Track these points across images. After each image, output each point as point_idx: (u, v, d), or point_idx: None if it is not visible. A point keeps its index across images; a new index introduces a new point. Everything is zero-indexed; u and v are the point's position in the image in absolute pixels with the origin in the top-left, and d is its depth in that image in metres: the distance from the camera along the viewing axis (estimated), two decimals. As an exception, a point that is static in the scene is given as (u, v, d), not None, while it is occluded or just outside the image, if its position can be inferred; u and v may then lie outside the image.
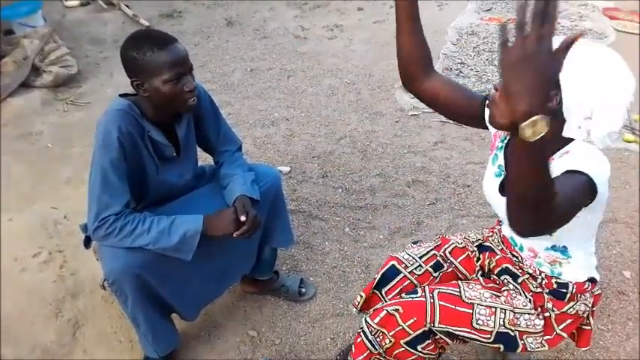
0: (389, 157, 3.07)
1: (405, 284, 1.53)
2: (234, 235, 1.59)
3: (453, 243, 1.60)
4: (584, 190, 1.13)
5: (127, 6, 5.18)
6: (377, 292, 1.57)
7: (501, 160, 1.41)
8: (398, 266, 1.56)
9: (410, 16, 1.38)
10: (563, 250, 1.35)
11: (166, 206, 1.73)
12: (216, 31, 4.97)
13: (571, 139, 1.21)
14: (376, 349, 1.43)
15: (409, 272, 1.54)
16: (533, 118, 0.83)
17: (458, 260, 1.57)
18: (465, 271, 1.56)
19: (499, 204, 1.40)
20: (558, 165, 1.14)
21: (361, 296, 1.59)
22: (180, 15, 5.27)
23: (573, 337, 1.51)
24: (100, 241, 1.53)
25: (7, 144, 3.17)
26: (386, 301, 1.53)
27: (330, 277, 2.27)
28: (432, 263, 1.56)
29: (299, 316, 2.09)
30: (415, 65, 1.43)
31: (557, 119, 1.17)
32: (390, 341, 1.39)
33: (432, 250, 1.59)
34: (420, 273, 1.54)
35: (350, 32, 4.88)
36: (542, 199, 0.95)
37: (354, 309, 1.63)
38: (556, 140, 1.22)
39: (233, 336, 2.00)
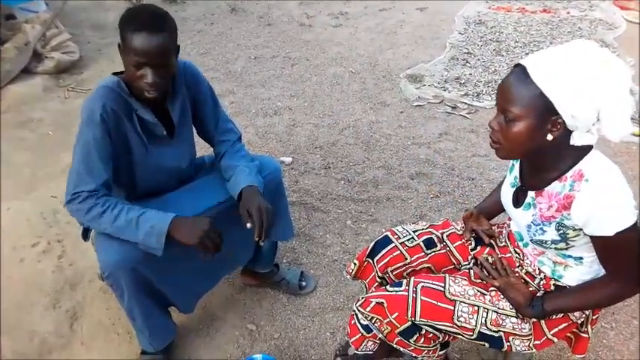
0: (393, 149, 3.03)
1: (394, 254, 1.55)
2: (201, 257, 1.52)
3: (452, 228, 1.61)
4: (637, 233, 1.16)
5: (129, -9, 5.13)
6: (370, 260, 1.60)
7: (517, 172, 1.39)
8: (391, 237, 1.59)
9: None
10: (579, 258, 1.32)
11: (162, 197, 1.71)
12: (220, 17, 4.92)
13: (580, 151, 1.19)
14: (369, 333, 1.48)
15: (400, 243, 1.56)
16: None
17: (454, 245, 1.57)
18: (458, 256, 1.56)
19: (512, 212, 1.41)
20: (583, 204, 1.16)
21: (355, 264, 1.63)
22: (183, 1, 5.22)
23: (570, 343, 1.48)
24: (72, 216, 1.50)
25: (8, 131, 3.14)
26: (377, 270, 1.57)
27: (331, 271, 2.24)
28: (424, 238, 1.57)
29: (299, 309, 2.07)
30: None
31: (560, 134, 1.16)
32: (387, 328, 1.41)
33: (429, 227, 1.61)
34: (411, 245, 1.56)
35: (355, 20, 4.82)
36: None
37: (348, 275, 1.67)
38: (563, 154, 1.20)
39: (232, 329, 1.98)
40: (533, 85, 1.10)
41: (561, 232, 1.24)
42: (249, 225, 1.55)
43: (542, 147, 1.17)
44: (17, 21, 4.00)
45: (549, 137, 1.14)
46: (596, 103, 1.09)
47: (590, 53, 1.10)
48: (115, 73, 1.57)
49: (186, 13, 4.95)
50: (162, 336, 1.75)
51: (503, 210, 1.53)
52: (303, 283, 2.13)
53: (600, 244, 1.19)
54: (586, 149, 1.18)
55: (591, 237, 1.20)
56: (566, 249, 1.29)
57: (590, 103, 1.08)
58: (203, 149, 2.80)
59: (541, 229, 1.28)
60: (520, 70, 1.14)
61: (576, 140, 1.16)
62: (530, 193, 1.30)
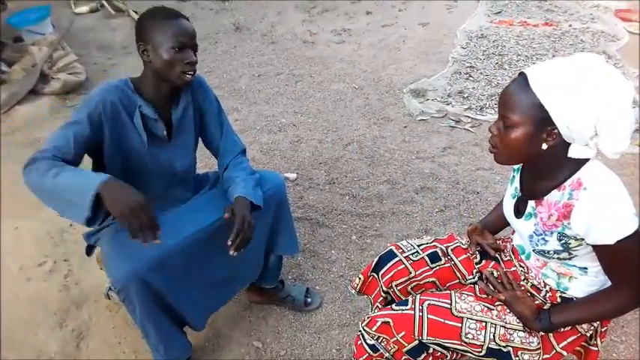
0: (397, 164, 3.04)
1: (399, 268, 1.54)
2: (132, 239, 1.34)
3: (457, 242, 1.60)
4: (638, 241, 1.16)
5: (135, 12, 5.20)
6: (374, 274, 1.60)
7: (517, 182, 1.40)
8: (395, 251, 1.58)
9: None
10: (583, 268, 1.31)
11: (165, 212, 1.72)
12: (224, 36, 4.97)
13: (578, 162, 1.18)
14: (376, 353, 1.45)
15: (405, 257, 1.56)
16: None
17: (459, 259, 1.56)
18: (463, 270, 1.55)
19: (514, 223, 1.40)
20: (583, 213, 1.16)
21: (360, 278, 1.63)
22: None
23: (580, 357, 1.46)
24: (24, 172, 1.47)
25: (16, 151, 3.17)
26: (381, 284, 1.56)
27: (337, 287, 2.23)
28: (429, 252, 1.57)
29: (304, 326, 2.06)
30: None
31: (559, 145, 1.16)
32: (394, 347, 1.39)
33: (433, 241, 1.61)
34: (415, 259, 1.55)
35: (358, 36, 4.86)
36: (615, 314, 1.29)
37: (353, 290, 1.67)
38: (561, 164, 1.20)
39: (238, 347, 1.98)
40: (532, 93, 1.12)
41: (563, 241, 1.24)
42: (226, 215, 1.57)
43: (539, 155, 1.18)
44: (24, 43, 4.08)
45: (544, 146, 1.16)
46: (593, 117, 1.08)
47: (592, 66, 1.10)
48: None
49: (191, 33, 5.01)
50: (176, 352, 1.72)
51: (507, 224, 1.53)
52: (309, 300, 2.13)
53: (603, 253, 1.19)
54: (584, 160, 1.18)
55: (594, 247, 1.19)
56: (569, 259, 1.28)
57: (586, 115, 1.08)
58: (208, 166, 2.82)
59: (543, 239, 1.27)
60: (522, 79, 1.15)
61: (574, 153, 1.16)
62: (531, 203, 1.30)
